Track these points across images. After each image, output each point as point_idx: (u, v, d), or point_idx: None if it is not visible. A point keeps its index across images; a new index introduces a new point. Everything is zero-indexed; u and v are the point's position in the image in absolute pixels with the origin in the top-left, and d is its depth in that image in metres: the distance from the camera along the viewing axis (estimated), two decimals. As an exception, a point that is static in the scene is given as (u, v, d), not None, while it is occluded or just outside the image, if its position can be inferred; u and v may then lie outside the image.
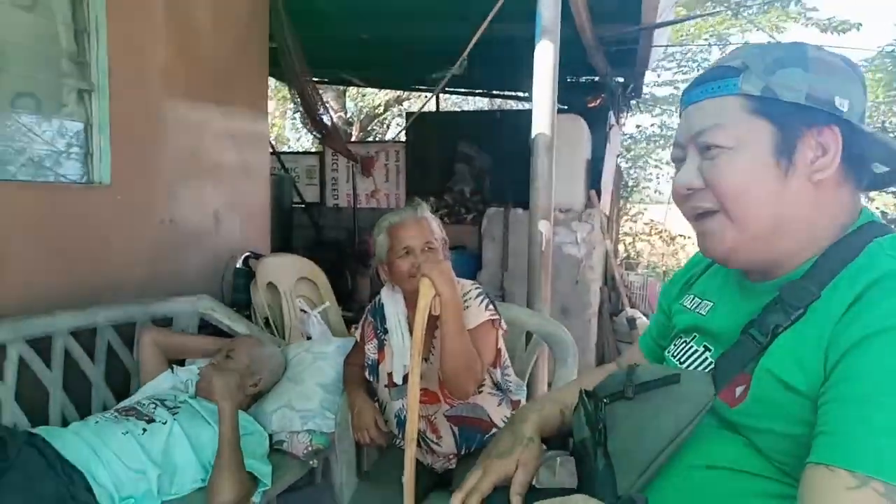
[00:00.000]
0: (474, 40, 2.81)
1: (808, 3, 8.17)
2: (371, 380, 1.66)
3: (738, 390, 0.78)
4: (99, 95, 2.16)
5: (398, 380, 1.55)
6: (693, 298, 0.94)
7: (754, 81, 0.77)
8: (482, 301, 1.51)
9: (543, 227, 2.21)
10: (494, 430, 1.53)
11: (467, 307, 1.48)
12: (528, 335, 1.90)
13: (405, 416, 1.36)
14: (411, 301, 1.50)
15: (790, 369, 0.72)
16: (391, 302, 1.60)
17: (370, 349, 1.65)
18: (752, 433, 0.77)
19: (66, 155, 2.15)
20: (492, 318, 1.49)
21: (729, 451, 0.78)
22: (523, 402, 1.64)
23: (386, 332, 1.60)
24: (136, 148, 2.30)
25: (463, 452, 1.55)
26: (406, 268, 1.49)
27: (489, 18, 2.70)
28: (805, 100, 0.74)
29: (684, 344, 0.92)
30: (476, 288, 1.54)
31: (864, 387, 0.64)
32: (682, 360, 0.90)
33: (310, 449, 1.78)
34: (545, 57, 2.20)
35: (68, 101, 2.13)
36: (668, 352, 0.95)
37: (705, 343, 0.88)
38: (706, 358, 0.86)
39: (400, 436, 1.58)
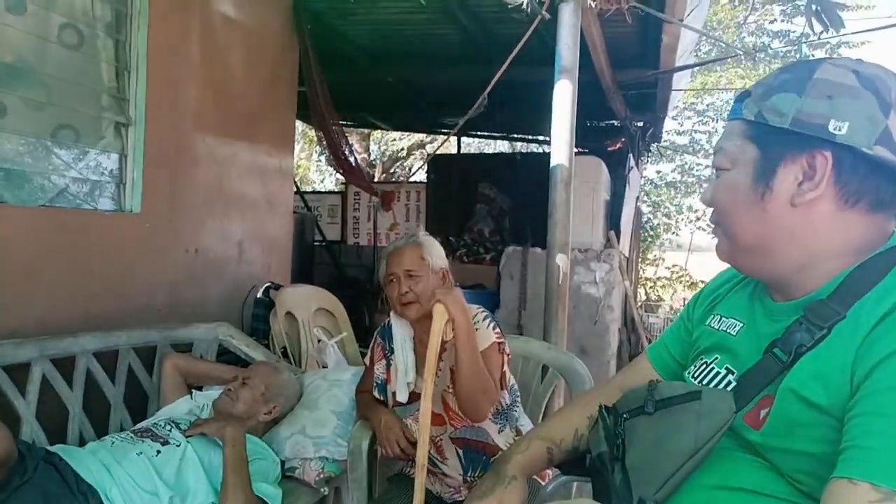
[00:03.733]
0: (493, 82, 2.90)
1: (846, 53, 8.17)
2: (381, 399, 1.68)
3: (763, 412, 0.77)
4: (135, 129, 2.27)
5: (402, 398, 1.57)
6: (720, 319, 0.93)
7: (751, 107, 0.80)
8: (490, 324, 1.54)
9: (560, 260, 2.23)
10: (500, 453, 1.51)
11: (476, 329, 1.50)
12: (545, 369, 1.89)
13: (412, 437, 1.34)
14: (416, 324, 1.53)
15: (813, 388, 0.72)
16: (398, 324, 1.64)
17: (379, 369, 1.68)
18: (774, 454, 0.76)
19: (101, 184, 2.25)
20: (498, 340, 1.53)
21: (751, 473, 0.77)
22: (526, 426, 1.63)
23: (393, 352, 1.64)
24: (166, 179, 2.39)
25: (469, 474, 1.54)
26: (394, 294, 1.54)
27: (508, 61, 2.78)
28: (791, 124, 0.75)
29: (705, 365, 0.91)
30: (482, 311, 1.57)
31: (890, 402, 0.64)
32: (702, 381, 0.89)
33: (321, 476, 1.77)
34: (563, 94, 2.27)
35: (106, 133, 2.24)
36: (689, 372, 0.94)
37: (727, 365, 0.87)
38: (729, 381, 0.85)
39: (409, 463, 1.57)
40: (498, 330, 1.54)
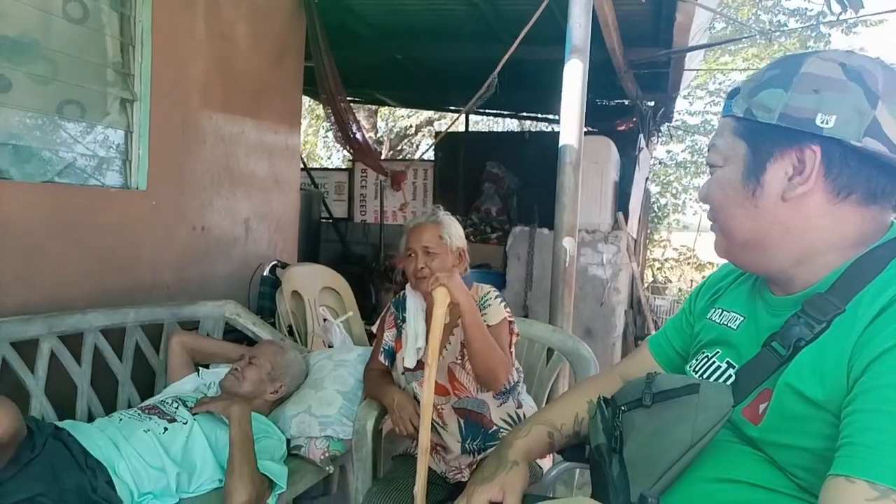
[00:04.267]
0: (504, 60, 2.86)
1: (855, 44, 7.96)
2: (387, 364, 1.73)
3: (762, 407, 0.77)
4: (141, 105, 2.25)
5: (409, 364, 1.62)
6: (721, 312, 0.93)
7: (740, 104, 0.80)
8: (500, 302, 1.62)
9: (568, 243, 2.21)
10: (494, 427, 1.59)
11: (489, 306, 1.58)
12: (550, 352, 1.89)
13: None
14: (429, 297, 1.57)
15: (811, 383, 0.71)
16: (413, 296, 1.68)
17: (388, 336, 1.73)
18: (772, 449, 0.76)
19: (106, 160, 2.23)
20: (509, 318, 1.60)
21: (748, 466, 0.77)
22: (528, 403, 1.69)
23: (405, 320, 1.69)
24: (172, 156, 2.38)
25: (468, 442, 1.58)
26: (410, 268, 1.61)
27: (519, 39, 2.74)
28: (778, 120, 0.75)
29: (706, 359, 0.91)
30: (494, 291, 1.65)
31: (887, 398, 0.64)
32: (703, 375, 0.89)
33: (327, 455, 1.79)
34: (574, 73, 2.22)
35: (111, 109, 2.23)
36: (690, 366, 0.94)
37: (728, 359, 0.87)
38: (730, 375, 0.85)
39: (415, 442, 1.58)
40: (508, 310, 1.61)
